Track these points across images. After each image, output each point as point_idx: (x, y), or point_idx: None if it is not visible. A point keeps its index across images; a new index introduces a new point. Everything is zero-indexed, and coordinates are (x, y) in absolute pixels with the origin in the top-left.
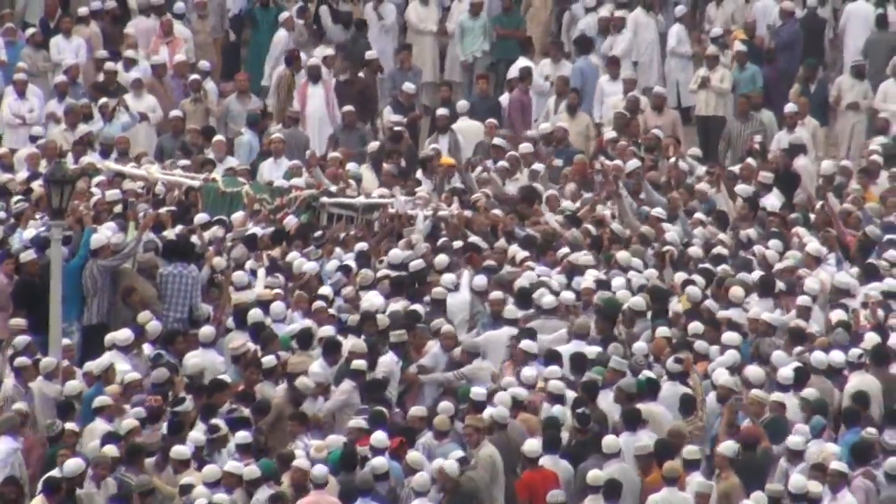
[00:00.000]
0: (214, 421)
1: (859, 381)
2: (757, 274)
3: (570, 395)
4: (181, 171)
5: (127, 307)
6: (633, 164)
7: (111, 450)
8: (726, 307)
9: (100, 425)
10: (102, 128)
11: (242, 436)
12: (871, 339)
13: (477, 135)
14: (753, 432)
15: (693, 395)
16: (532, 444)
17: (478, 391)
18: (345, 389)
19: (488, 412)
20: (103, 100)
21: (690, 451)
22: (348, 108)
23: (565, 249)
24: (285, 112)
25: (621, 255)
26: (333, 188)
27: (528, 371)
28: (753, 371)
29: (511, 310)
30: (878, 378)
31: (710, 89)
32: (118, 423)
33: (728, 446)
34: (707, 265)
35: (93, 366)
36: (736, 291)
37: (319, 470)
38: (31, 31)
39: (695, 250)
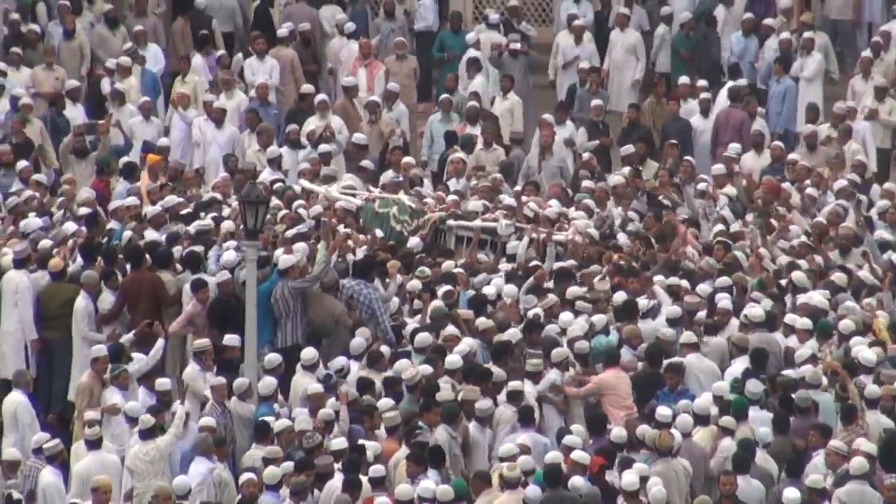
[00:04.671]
0: None
1: None
2: None
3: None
4: (374, 191)
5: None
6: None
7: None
8: None
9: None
10: (309, 153)
11: None
12: None
13: None
14: None
15: (853, 405)
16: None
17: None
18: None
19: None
20: (311, 126)
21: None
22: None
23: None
24: None
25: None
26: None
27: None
28: None
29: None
30: None
31: (879, 122)
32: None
33: None
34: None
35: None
36: None
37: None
38: (220, 53)
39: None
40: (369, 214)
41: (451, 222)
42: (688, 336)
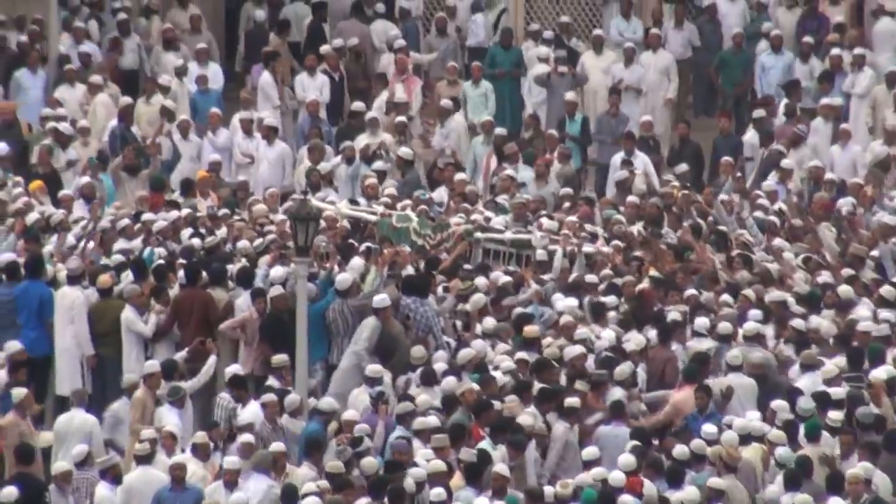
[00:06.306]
0: None
1: None
2: None
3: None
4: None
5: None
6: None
7: None
8: None
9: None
10: (357, 167)
11: None
12: None
13: None
14: None
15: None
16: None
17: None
18: None
19: None
20: (365, 142)
21: None
22: None
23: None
24: None
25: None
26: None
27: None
28: None
29: None
30: None
31: None
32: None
33: None
34: None
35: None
36: None
37: None
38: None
39: None
40: (386, 229)
41: (479, 235)
42: (733, 356)
